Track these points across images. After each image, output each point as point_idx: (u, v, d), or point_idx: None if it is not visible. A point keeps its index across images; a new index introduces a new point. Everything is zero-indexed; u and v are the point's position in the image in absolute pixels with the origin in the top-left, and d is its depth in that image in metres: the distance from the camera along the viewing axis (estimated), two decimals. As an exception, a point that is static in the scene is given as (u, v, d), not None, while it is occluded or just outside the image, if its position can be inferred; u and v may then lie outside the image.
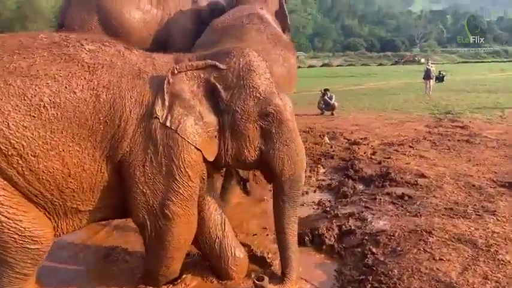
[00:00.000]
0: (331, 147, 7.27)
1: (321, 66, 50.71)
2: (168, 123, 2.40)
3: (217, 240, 2.93)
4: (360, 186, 5.13)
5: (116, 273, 3.24)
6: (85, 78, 2.32)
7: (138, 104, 2.42)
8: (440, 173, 5.26)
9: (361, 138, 7.77)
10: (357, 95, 16.96)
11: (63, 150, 2.25)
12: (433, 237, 3.33)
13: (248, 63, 2.60)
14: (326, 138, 7.88)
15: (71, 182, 2.33)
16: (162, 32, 5.05)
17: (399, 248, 3.23)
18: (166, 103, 2.40)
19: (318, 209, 4.50)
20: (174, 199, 2.50)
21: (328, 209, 4.36)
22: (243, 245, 3.25)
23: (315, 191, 5.16)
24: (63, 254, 3.55)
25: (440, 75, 22.12)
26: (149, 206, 2.50)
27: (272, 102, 2.60)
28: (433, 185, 4.80)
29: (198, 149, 2.48)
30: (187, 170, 2.48)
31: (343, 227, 3.77)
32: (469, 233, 3.43)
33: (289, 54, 4.40)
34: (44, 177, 2.24)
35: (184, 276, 2.97)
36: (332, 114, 11.58)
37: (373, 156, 6.35)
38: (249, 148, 2.59)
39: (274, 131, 2.59)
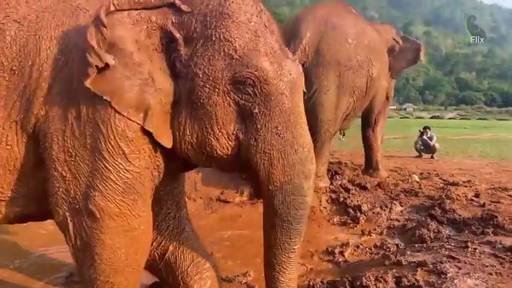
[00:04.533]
0: (420, 186, 5.63)
1: (431, 118, 47.08)
2: (98, 91, 1.52)
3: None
4: (447, 231, 3.58)
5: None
6: None
7: (60, 48, 1.63)
8: None
9: (464, 181, 5.99)
10: (468, 143, 14.40)
11: None
12: None
13: (222, 3, 1.63)
14: (415, 176, 6.19)
15: None
16: None
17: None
18: (95, 57, 1.50)
19: (376, 254, 3.12)
20: (101, 187, 1.59)
21: (390, 254, 2.94)
22: None
23: (380, 233, 3.74)
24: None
25: None
26: (71, 197, 1.62)
27: (252, 63, 1.58)
28: None
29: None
30: (120, 143, 1.57)
31: (404, 280, 2.38)
32: None
33: None
34: None
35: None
36: (432, 157, 9.64)
37: (474, 198, 4.66)
38: (217, 135, 1.64)
39: (257, 110, 1.62)
